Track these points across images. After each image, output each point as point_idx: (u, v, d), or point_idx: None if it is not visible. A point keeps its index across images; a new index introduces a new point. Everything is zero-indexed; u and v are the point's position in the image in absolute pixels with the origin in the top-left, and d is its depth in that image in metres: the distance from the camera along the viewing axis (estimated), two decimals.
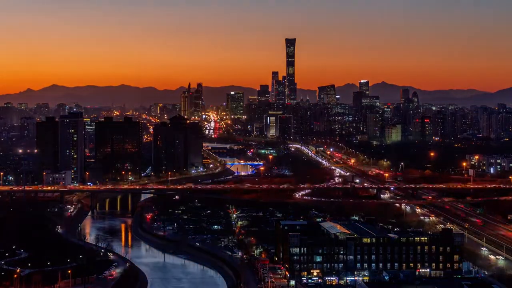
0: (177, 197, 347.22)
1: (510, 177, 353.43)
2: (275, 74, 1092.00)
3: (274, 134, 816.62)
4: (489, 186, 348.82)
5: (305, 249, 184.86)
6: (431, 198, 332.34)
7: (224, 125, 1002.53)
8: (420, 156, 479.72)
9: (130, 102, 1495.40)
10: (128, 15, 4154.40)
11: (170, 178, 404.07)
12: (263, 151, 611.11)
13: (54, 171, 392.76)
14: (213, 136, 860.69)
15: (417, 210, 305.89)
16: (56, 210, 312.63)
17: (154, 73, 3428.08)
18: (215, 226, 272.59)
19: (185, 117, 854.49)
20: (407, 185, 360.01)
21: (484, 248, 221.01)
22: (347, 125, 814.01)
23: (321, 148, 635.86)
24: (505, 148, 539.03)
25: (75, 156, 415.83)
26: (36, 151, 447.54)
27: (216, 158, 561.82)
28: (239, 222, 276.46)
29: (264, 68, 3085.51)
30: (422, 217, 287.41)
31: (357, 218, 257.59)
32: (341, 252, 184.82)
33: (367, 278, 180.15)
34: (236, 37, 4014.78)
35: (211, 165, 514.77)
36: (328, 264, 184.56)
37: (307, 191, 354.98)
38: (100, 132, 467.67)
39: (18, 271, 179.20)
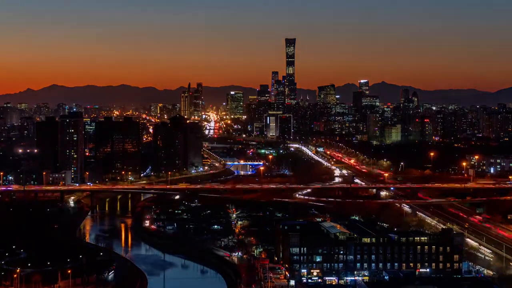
0: (177, 197, 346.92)
1: (510, 177, 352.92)
2: (275, 74, 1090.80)
3: (274, 134, 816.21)
4: (489, 185, 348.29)
5: (305, 249, 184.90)
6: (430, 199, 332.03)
7: (224, 125, 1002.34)
8: (420, 156, 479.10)
9: (130, 102, 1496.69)
10: (128, 15, 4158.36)
11: (170, 178, 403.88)
12: (263, 151, 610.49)
13: (54, 171, 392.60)
14: (213, 136, 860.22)
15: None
16: (56, 210, 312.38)
17: (154, 73, 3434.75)
18: (215, 226, 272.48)
19: (185, 117, 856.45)
20: (407, 185, 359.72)
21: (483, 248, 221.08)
22: (347, 125, 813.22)
23: (321, 148, 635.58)
24: (505, 148, 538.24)
25: (75, 156, 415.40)
26: (36, 151, 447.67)
27: (216, 158, 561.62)
28: (239, 222, 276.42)
29: (264, 68, 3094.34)
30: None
31: (357, 218, 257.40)
32: (341, 252, 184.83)
33: (367, 278, 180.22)
34: (236, 37, 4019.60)
35: (211, 165, 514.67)
36: (328, 264, 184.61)
37: (307, 191, 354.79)
38: (100, 132, 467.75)
39: (18, 271, 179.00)
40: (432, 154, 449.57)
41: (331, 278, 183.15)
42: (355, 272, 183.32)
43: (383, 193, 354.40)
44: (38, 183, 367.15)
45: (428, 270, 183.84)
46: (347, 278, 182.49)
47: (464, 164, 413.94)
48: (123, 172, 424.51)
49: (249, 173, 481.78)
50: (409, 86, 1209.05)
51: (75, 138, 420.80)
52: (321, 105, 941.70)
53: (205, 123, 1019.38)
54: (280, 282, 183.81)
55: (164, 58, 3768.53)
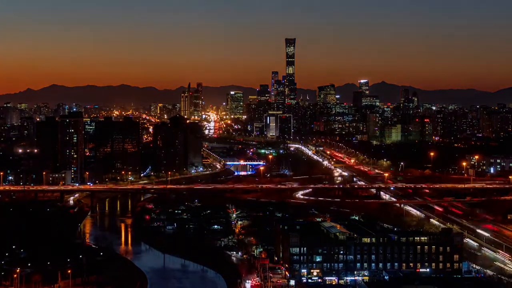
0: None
1: (510, 177, 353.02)
2: (275, 74, 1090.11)
3: (274, 134, 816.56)
4: (489, 186, 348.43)
5: (305, 249, 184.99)
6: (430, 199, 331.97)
7: (224, 125, 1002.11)
8: (420, 156, 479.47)
9: (130, 102, 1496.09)
10: (128, 15, 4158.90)
11: (170, 178, 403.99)
12: (263, 151, 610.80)
13: (54, 171, 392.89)
14: (213, 136, 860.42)
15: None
16: (56, 210, 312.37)
17: (154, 73, 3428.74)
18: (215, 226, 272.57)
19: (185, 117, 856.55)
20: (407, 185, 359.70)
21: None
22: (347, 125, 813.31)
23: (321, 148, 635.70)
24: (505, 148, 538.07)
25: (75, 156, 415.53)
26: (36, 151, 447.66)
27: (216, 158, 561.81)
28: (239, 222, 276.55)
29: (264, 68, 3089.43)
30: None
31: (357, 218, 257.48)
32: (341, 252, 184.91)
33: (367, 278, 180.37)
34: (236, 37, 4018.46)
35: (211, 165, 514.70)
36: (328, 264, 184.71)
37: (307, 191, 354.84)
38: (100, 132, 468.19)
39: (18, 271, 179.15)
40: (432, 154, 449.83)
41: (331, 278, 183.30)
42: (355, 272, 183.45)
43: (383, 193, 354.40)
44: (38, 183, 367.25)
45: (428, 270, 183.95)
46: (347, 278, 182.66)
47: (464, 164, 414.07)
48: (123, 172, 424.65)
49: (249, 173, 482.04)
50: (409, 86, 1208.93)
51: (75, 138, 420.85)
52: (321, 105, 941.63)
53: (205, 123, 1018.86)
54: (280, 282, 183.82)
55: (164, 58, 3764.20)
